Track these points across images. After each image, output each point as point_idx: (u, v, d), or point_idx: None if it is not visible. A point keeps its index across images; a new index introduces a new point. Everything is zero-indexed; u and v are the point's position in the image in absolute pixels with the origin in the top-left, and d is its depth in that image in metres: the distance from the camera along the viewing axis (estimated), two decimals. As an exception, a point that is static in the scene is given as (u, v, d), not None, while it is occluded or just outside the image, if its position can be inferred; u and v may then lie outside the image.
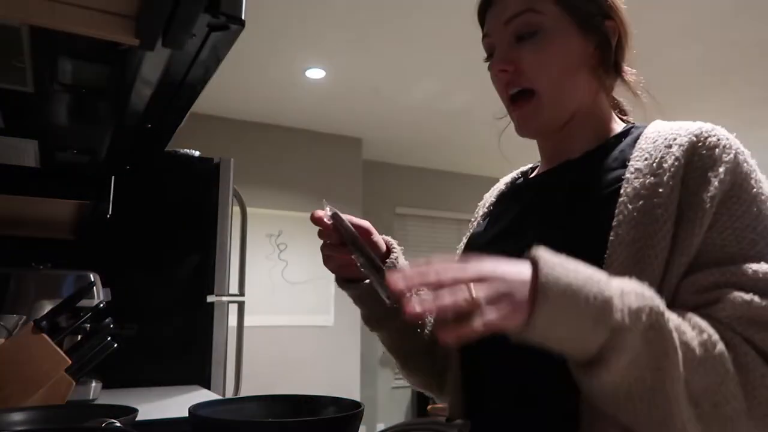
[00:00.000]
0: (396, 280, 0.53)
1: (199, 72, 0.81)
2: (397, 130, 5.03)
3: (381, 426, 5.32)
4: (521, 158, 1.08)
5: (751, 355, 0.60)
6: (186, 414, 0.72)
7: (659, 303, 0.59)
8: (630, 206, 0.68)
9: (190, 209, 2.08)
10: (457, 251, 0.97)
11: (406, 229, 5.86)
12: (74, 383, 1.08)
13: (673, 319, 0.59)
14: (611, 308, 0.55)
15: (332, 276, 0.90)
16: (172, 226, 2.04)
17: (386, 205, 5.77)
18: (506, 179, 0.99)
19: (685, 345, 0.58)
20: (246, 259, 2.37)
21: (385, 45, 3.50)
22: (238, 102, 4.43)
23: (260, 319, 4.47)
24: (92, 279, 1.57)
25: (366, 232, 0.86)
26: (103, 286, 1.62)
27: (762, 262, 0.64)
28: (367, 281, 0.86)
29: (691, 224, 0.66)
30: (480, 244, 0.87)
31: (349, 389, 4.71)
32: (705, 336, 0.59)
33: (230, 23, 0.65)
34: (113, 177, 1.45)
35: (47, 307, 1.40)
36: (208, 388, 1.97)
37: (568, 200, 0.76)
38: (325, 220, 0.80)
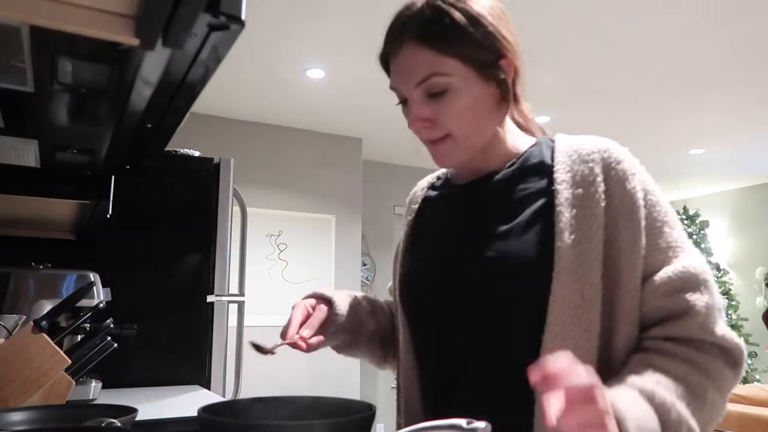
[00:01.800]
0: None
1: (199, 72, 0.81)
2: (397, 130, 5.03)
3: (381, 426, 5.32)
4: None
5: (715, 365, 0.77)
6: (186, 414, 0.72)
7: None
8: (567, 214, 0.81)
9: (190, 209, 2.08)
10: (398, 253, 1.03)
11: (406, 229, 5.85)
12: (74, 383, 1.08)
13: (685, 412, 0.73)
14: None
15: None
16: (172, 226, 2.04)
17: (386, 205, 5.77)
18: (424, 184, 1.08)
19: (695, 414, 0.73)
20: (246, 259, 2.37)
21: (385, 45, 3.49)
22: (238, 102, 4.43)
23: (260, 319, 4.47)
24: (92, 279, 1.57)
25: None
26: (103, 286, 1.62)
27: (687, 253, 0.82)
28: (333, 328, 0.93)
29: (633, 232, 0.80)
30: (435, 259, 0.93)
31: (349, 389, 4.71)
32: (696, 394, 0.74)
33: (230, 23, 0.65)
34: (113, 177, 1.45)
35: (47, 307, 1.40)
36: (208, 388, 1.97)
37: (508, 211, 0.86)
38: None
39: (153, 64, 0.78)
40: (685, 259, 0.81)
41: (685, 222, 7.31)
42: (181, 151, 2.10)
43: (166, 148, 1.32)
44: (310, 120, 4.81)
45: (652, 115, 4.83)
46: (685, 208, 7.40)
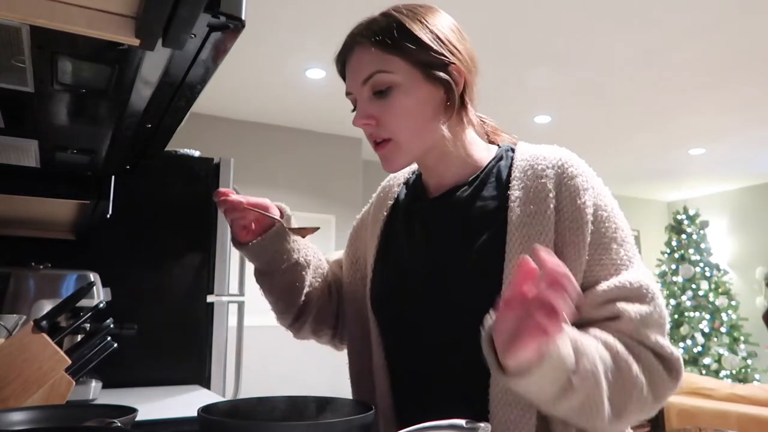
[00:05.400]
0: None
1: (199, 72, 0.81)
2: (397, 130, 5.04)
3: (381, 426, 5.32)
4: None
5: (649, 358, 0.79)
6: (186, 414, 0.72)
7: (598, 362, 0.74)
8: (517, 232, 0.84)
9: (190, 209, 2.08)
10: (356, 230, 1.11)
11: (406, 229, 5.85)
12: (74, 383, 1.07)
13: (602, 361, 0.75)
14: (571, 385, 0.72)
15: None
16: (172, 226, 2.04)
17: (386, 205, 5.77)
18: (401, 179, 1.09)
19: (609, 381, 0.75)
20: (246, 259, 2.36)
21: (385, 45, 3.50)
22: (238, 102, 4.44)
23: (260, 319, 4.46)
24: (92, 279, 1.57)
25: (264, 206, 0.99)
26: (103, 286, 1.62)
27: (631, 269, 0.83)
28: (260, 238, 1.00)
29: (577, 247, 0.83)
30: (404, 274, 0.97)
31: (349, 389, 4.71)
32: (623, 363, 0.77)
33: (230, 23, 0.65)
34: (113, 177, 1.45)
35: (47, 307, 1.40)
36: (208, 388, 1.97)
37: (468, 230, 0.90)
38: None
39: (153, 64, 0.78)
40: (627, 275, 0.83)
41: (685, 222, 7.31)
42: (181, 151, 2.10)
43: (166, 148, 1.32)
44: (310, 120, 4.81)
45: (652, 115, 4.83)
46: (685, 208, 7.41)
